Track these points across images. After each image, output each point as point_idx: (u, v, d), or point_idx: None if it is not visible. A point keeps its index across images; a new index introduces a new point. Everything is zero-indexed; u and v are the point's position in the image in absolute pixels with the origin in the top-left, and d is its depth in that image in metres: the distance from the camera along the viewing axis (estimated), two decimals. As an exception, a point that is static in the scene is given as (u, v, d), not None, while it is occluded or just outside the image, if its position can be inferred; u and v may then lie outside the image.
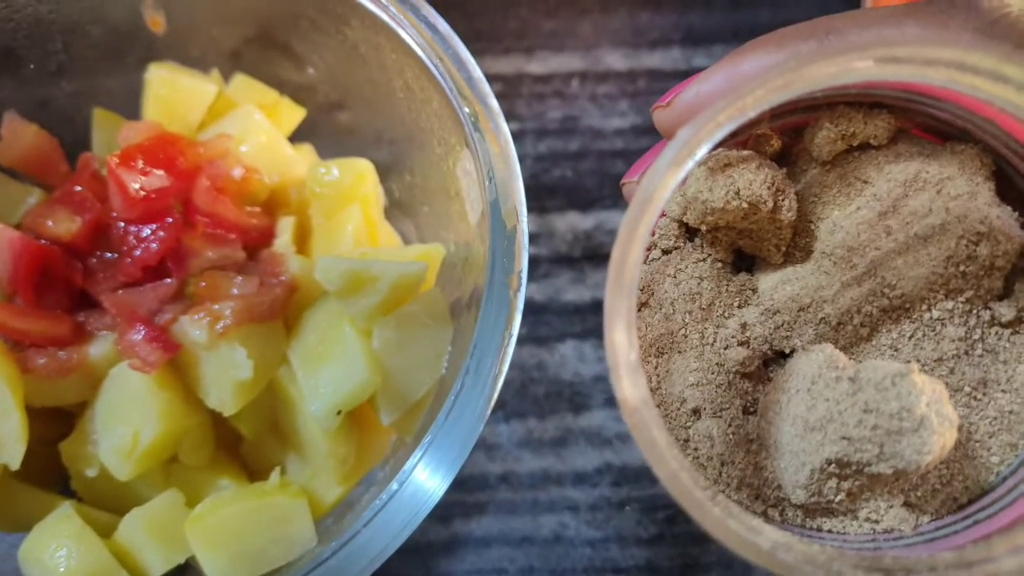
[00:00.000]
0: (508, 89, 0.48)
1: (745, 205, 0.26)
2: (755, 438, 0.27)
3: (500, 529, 0.42)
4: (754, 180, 0.26)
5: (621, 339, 0.22)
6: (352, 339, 0.34)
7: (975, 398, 0.27)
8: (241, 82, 0.41)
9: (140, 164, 0.36)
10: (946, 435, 0.23)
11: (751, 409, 0.27)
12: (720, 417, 0.27)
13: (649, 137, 0.48)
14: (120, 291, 0.36)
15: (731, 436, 0.26)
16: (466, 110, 0.33)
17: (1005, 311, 0.27)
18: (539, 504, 0.42)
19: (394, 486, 0.29)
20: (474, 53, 0.49)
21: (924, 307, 0.26)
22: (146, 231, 0.36)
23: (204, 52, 0.41)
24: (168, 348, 0.34)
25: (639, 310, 0.28)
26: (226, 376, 0.34)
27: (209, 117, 0.40)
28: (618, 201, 0.47)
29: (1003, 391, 0.27)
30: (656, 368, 0.28)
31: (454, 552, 0.41)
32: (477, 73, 0.34)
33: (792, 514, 0.26)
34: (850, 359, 0.26)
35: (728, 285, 0.28)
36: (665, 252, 0.29)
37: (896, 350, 0.27)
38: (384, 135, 0.41)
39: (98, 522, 0.35)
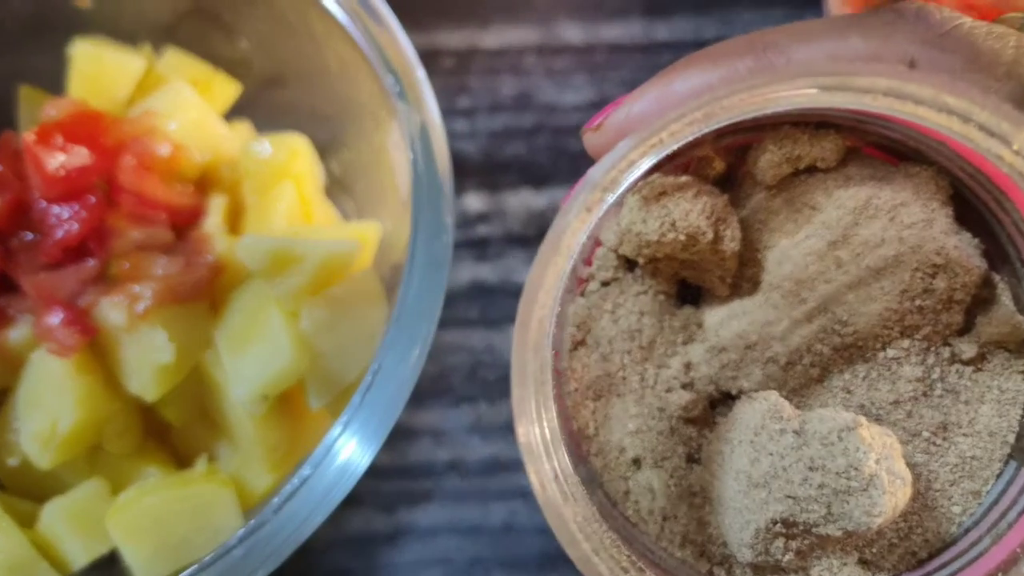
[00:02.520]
0: (460, 64, 0.47)
1: (682, 237, 0.24)
2: (699, 490, 0.25)
3: (447, 518, 0.40)
4: (691, 210, 0.24)
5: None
6: (277, 320, 0.33)
7: (934, 443, 0.24)
8: (173, 57, 0.39)
9: (59, 141, 0.35)
10: (898, 494, 0.21)
11: (696, 456, 0.25)
12: (662, 467, 0.25)
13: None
14: (41, 273, 0.35)
15: (673, 488, 0.24)
16: (390, 79, 0.32)
17: (966, 348, 0.24)
18: (489, 492, 0.41)
19: (314, 461, 0.28)
20: (426, 27, 0.47)
21: (878, 345, 0.24)
22: (66, 211, 0.35)
23: (136, 27, 0.39)
24: (86, 332, 0.33)
25: (574, 349, 0.26)
26: (147, 360, 0.33)
27: (138, 93, 0.39)
28: (574, 178, 0.45)
29: (964, 434, 0.24)
30: (594, 413, 0.25)
31: (397, 543, 0.40)
32: (403, 42, 0.32)
33: (740, 572, 0.24)
34: (800, 402, 0.24)
35: (671, 320, 0.26)
36: (604, 284, 0.27)
37: (849, 392, 0.25)
38: (321, 111, 0.39)
39: (21, 512, 0.34)
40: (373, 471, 0.41)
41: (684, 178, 0.25)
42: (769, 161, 0.25)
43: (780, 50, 0.24)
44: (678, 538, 0.24)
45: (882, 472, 0.21)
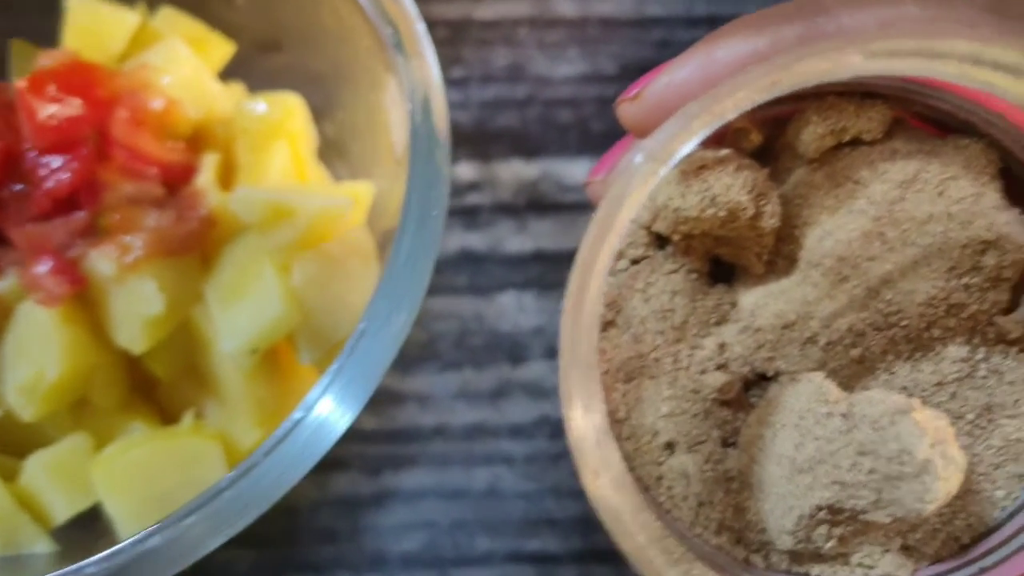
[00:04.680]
0: (454, 34, 0.47)
1: (723, 213, 0.23)
2: (736, 475, 0.24)
3: (432, 482, 0.40)
4: (732, 185, 0.23)
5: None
6: (269, 273, 0.33)
7: (979, 426, 0.24)
8: (167, 14, 0.39)
9: (52, 91, 0.35)
10: (951, 480, 0.21)
11: (731, 441, 0.24)
12: (697, 451, 0.24)
13: (598, 85, 0.46)
14: (29, 224, 0.34)
15: (709, 473, 0.24)
16: (389, 31, 0.32)
17: (1012, 327, 0.24)
18: (473, 456, 0.41)
19: (297, 415, 0.28)
20: (419, -3, 0.47)
21: (923, 325, 0.23)
22: (57, 161, 0.34)
23: (130, -16, 0.39)
24: (75, 281, 0.33)
25: (604, 329, 0.25)
26: (136, 311, 0.33)
27: (132, 48, 0.38)
28: (564, 150, 0.45)
29: (1009, 416, 0.24)
30: (624, 396, 0.25)
31: (383, 505, 0.40)
32: (401, -5, 0.33)
33: (777, 559, 0.24)
34: (841, 384, 0.24)
35: (704, 299, 0.25)
36: (634, 262, 0.26)
37: (891, 373, 0.24)
38: (317, 72, 0.39)
39: (2, 466, 0.34)
40: (359, 435, 0.42)
41: (724, 151, 0.24)
42: (813, 133, 0.24)
43: (831, 16, 0.23)
44: (714, 524, 0.24)
45: (936, 457, 0.20)
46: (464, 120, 0.46)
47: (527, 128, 0.45)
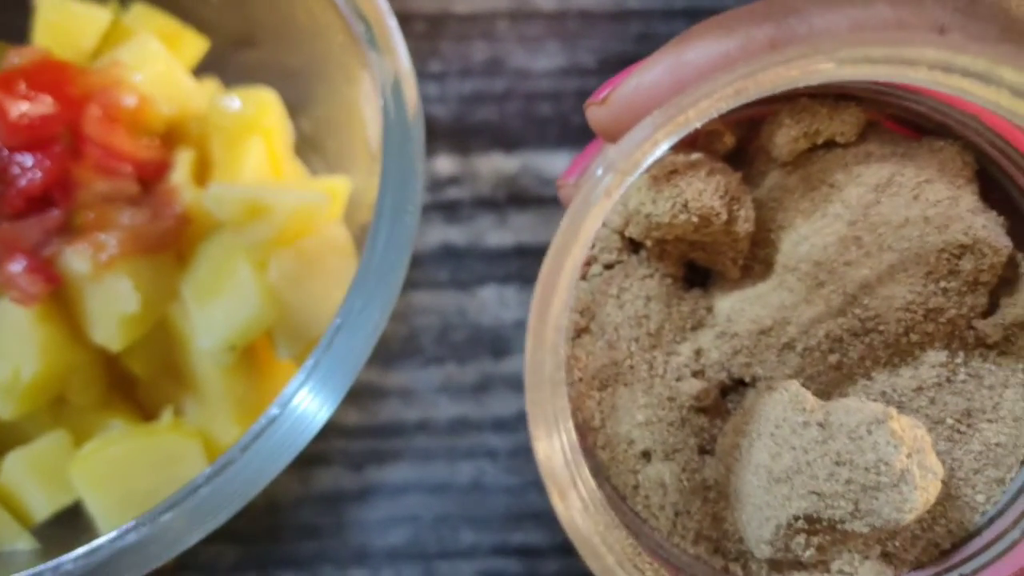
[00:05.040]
0: (432, 28, 0.47)
1: (695, 219, 0.23)
2: (713, 484, 0.24)
3: (416, 476, 0.41)
4: (704, 190, 0.22)
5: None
6: (245, 270, 0.33)
7: (958, 431, 0.23)
8: (139, 11, 0.39)
9: (23, 89, 0.34)
10: (929, 489, 0.20)
11: (708, 448, 0.24)
12: (673, 460, 0.24)
13: (577, 78, 0.46)
14: (3, 223, 0.34)
15: (685, 483, 0.23)
16: (361, 26, 0.32)
17: (990, 331, 0.23)
18: (457, 450, 0.41)
19: (273, 411, 0.28)
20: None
21: (901, 330, 0.23)
22: (30, 160, 0.34)
23: (102, -20, 0.39)
24: (50, 280, 0.33)
25: (577, 336, 0.25)
26: (111, 309, 0.33)
27: (104, 45, 0.38)
28: (543, 143, 0.45)
29: (989, 420, 0.23)
30: (600, 404, 0.24)
31: (367, 500, 0.40)
32: (373, -10, 0.33)
33: (756, 568, 0.23)
34: (818, 390, 0.23)
35: (679, 305, 0.25)
36: (607, 267, 0.25)
37: (870, 379, 0.23)
38: (291, 68, 0.39)
39: (-19, 465, 0.34)
40: (342, 430, 0.42)
41: (695, 156, 0.23)
42: (786, 136, 0.24)
43: (801, 17, 0.22)
44: (691, 534, 0.23)
45: (913, 467, 0.20)
46: (443, 114, 0.46)
47: (506, 122, 0.45)
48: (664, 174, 0.23)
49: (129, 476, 0.32)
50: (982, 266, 0.23)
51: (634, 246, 0.25)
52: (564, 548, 0.40)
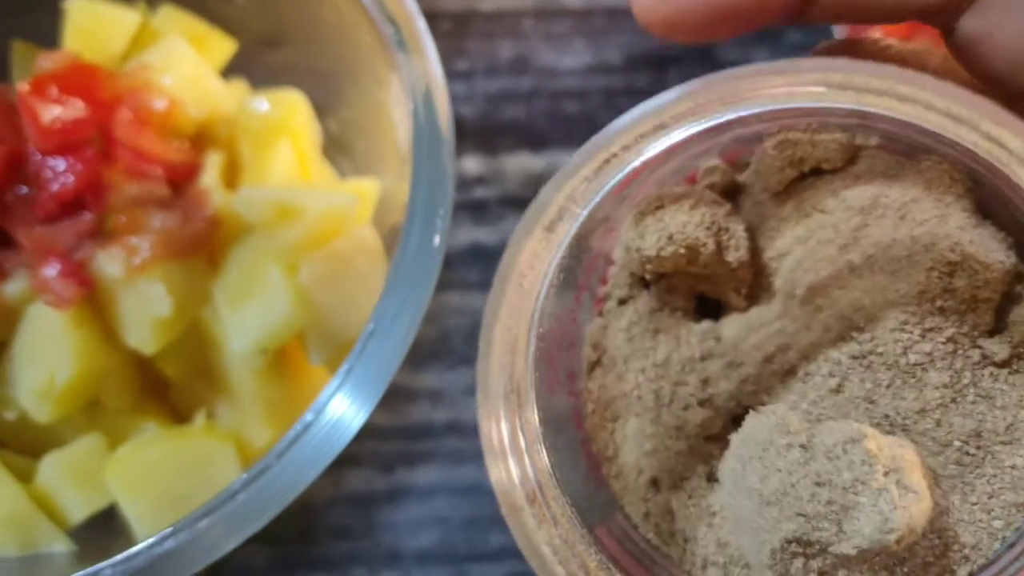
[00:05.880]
0: (458, 27, 0.46)
1: (682, 250, 0.23)
2: (718, 510, 0.24)
3: (445, 478, 0.40)
4: (688, 222, 0.23)
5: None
6: (276, 273, 0.33)
7: (967, 453, 0.23)
8: (168, 13, 0.39)
9: (55, 93, 0.34)
10: (911, 509, 0.20)
11: (716, 475, 0.24)
12: (681, 488, 0.24)
13: (604, 76, 0.46)
14: (37, 227, 0.34)
15: (692, 509, 0.23)
16: (390, 28, 0.31)
17: (997, 349, 0.23)
18: (486, 452, 0.41)
19: (308, 417, 0.28)
20: (421, -11, 0.47)
21: (899, 350, 0.23)
22: (62, 164, 0.34)
23: (130, -17, 0.39)
24: (84, 283, 0.33)
25: (591, 370, 0.25)
26: (145, 313, 0.33)
27: (133, 48, 0.38)
28: (571, 141, 0.45)
29: (1003, 443, 0.22)
30: (612, 434, 0.25)
31: (396, 502, 0.40)
32: (402, -9, 0.32)
33: None
34: (822, 415, 0.23)
35: (688, 336, 0.25)
36: (621, 302, 0.25)
37: (872, 402, 0.23)
38: (319, 69, 0.39)
39: (18, 467, 0.34)
40: (373, 432, 0.41)
41: (680, 188, 0.24)
42: (770, 167, 0.24)
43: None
44: (699, 560, 0.23)
45: (891, 486, 0.20)
46: (469, 113, 0.45)
47: (533, 120, 0.45)
48: (651, 209, 0.23)
49: (163, 479, 0.33)
50: (977, 283, 0.22)
51: (646, 282, 0.26)
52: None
